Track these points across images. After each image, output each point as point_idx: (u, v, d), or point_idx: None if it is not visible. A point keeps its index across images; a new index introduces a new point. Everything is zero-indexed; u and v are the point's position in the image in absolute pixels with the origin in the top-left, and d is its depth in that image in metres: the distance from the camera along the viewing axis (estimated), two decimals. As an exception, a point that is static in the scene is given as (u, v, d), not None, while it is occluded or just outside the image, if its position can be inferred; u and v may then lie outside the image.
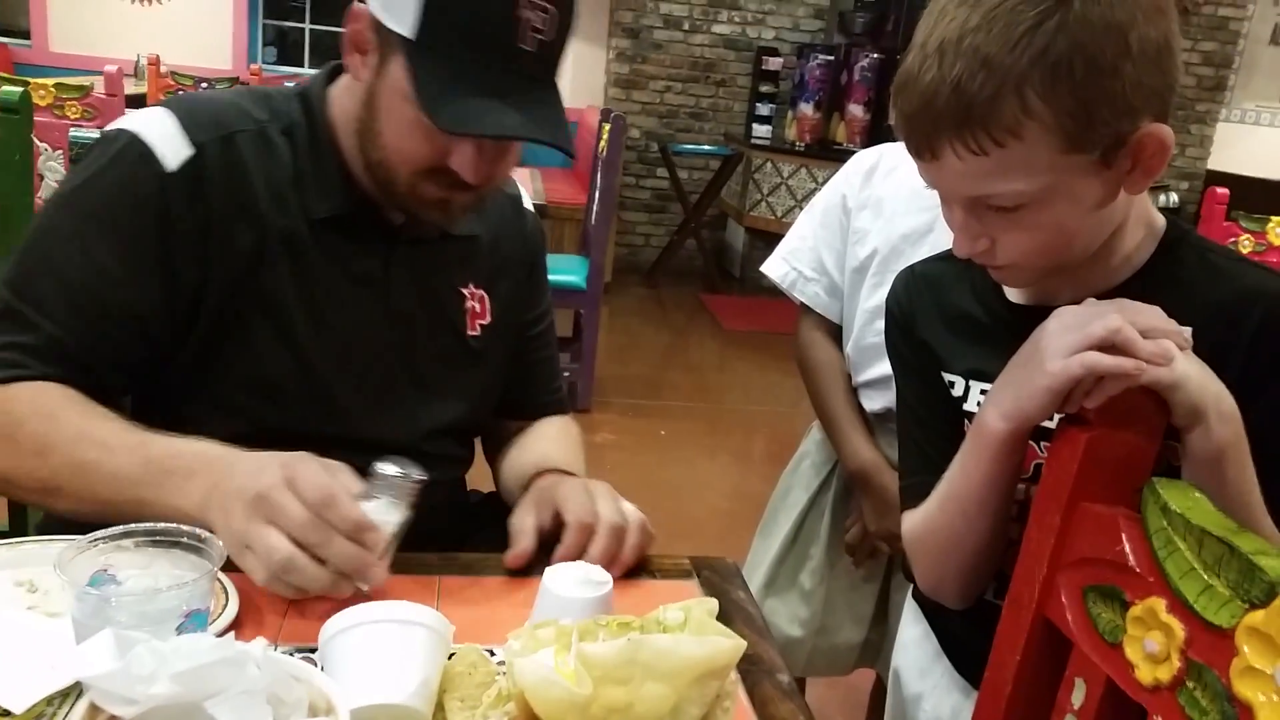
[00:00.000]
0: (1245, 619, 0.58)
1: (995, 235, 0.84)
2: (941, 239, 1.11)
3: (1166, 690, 0.64)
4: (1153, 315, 0.76)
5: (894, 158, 1.43)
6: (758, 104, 6.07)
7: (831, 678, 1.76)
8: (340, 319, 1.06)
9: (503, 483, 1.23)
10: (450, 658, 0.73)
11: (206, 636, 0.65)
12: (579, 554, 0.94)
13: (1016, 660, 0.81)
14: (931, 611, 1.12)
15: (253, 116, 1.03)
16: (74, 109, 2.20)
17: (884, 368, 1.26)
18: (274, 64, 6.71)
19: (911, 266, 1.07)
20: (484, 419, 1.24)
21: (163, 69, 4.78)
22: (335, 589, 0.82)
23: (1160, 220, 0.90)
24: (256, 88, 1.14)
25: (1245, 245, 1.82)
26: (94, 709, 0.60)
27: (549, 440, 1.24)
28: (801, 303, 1.54)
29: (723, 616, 0.73)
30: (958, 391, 0.97)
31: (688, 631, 0.69)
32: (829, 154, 5.62)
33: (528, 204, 1.29)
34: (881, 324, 1.08)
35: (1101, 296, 0.81)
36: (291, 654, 0.74)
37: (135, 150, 0.97)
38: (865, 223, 1.44)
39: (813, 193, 2.27)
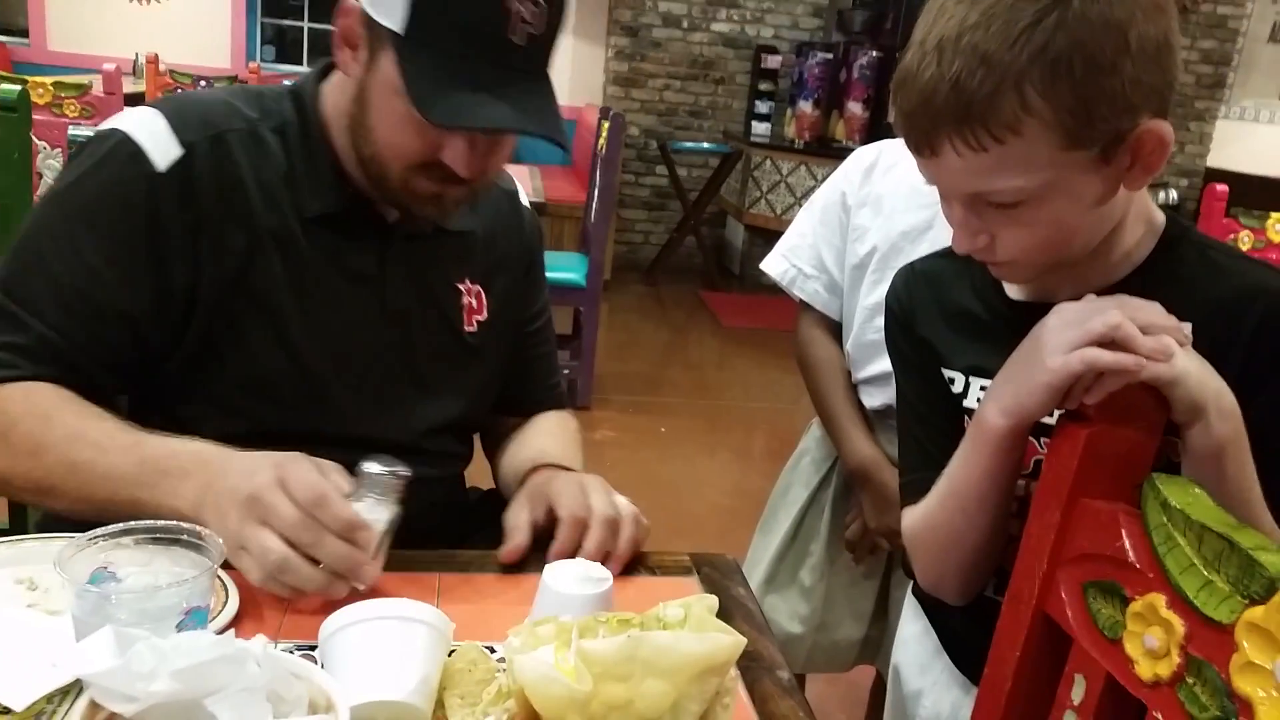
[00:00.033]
0: (1245, 615, 0.58)
1: (995, 231, 0.84)
2: (941, 236, 1.11)
3: (1166, 686, 0.64)
4: (1152, 311, 0.76)
5: (893, 154, 1.43)
6: (757, 102, 6.07)
7: (831, 674, 1.77)
8: (335, 317, 1.05)
9: (501, 479, 1.23)
10: (450, 655, 0.73)
11: (206, 634, 0.65)
12: (574, 548, 0.95)
13: (1016, 656, 0.81)
14: (931, 608, 1.12)
15: (244, 115, 1.03)
16: (72, 107, 2.20)
17: (884, 365, 1.26)
18: (272, 62, 6.71)
19: (911, 263, 1.06)
20: (482, 415, 1.23)
21: (161, 67, 4.77)
22: (330, 590, 0.83)
23: (1160, 217, 0.90)
24: (249, 86, 1.14)
25: (1245, 242, 1.82)
26: (94, 706, 0.60)
27: (546, 435, 1.24)
28: (801, 300, 1.54)
29: (723, 613, 0.73)
30: (957, 388, 0.97)
31: (688, 628, 0.69)
32: (828, 151, 5.63)
33: (524, 200, 1.28)
34: (881, 321, 1.08)
35: (1101, 293, 0.81)
36: (291, 651, 0.75)
37: (125, 150, 0.97)
38: (865, 220, 1.44)
39: (812, 190, 2.27)
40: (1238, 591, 0.59)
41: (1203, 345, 0.77)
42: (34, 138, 1.70)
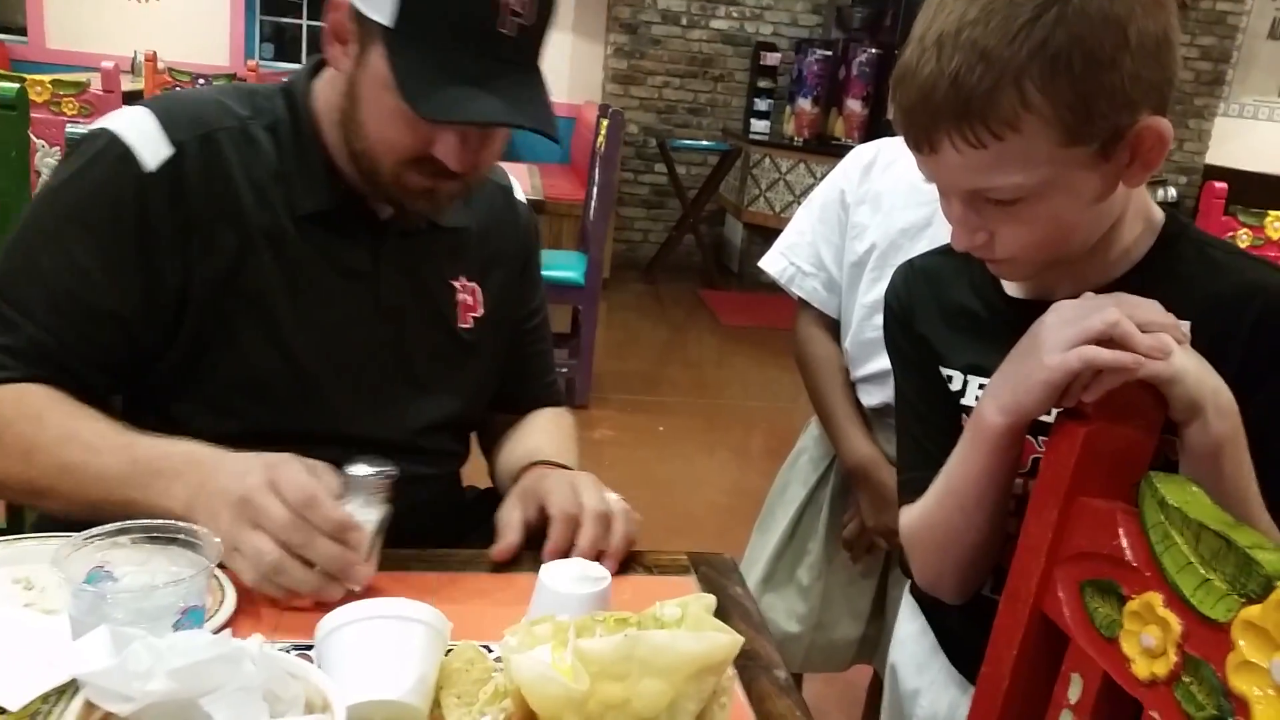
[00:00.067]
0: (1242, 613, 0.58)
1: (994, 228, 0.83)
2: (940, 233, 1.11)
3: (1163, 685, 0.64)
4: (1151, 309, 0.76)
5: (892, 152, 1.43)
6: (756, 99, 6.06)
7: (829, 673, 1.76)
8: (329, 315, 1.05)
9: (496, 477, 1.23)
10: (447, 654, 0.73)
11: (203, 633, 0.66)
12: (567, 545, 0.95)
13: (1013, 655, 0.81)
14: (929, 607, 1.12)
15: (235, 113, 1.02)
16: (71, 105, 2.19)
17: (882, 363, 1.26)
18: (271, 60, 6.70)
19: (910, 261, 1.06)
20: (478, 413, 1.23)
21: (160, 65, 4.76)
22: (324, 591, 0.83)
23: (1159, 214, 0.90)
24: (241, 84, 1.13)
25: (1243, 240, 1.82)
26: (89, 706, 0.60)
27: (540, 432, 1.24)
28: (800, 298, 1.54)
29: (720, 612, 0.73)
30: (956, 386, 0.97)
31: (685, 627, 0.69)
32: (827, 149, 5.62)
33: (520, 196, 1.27)
34: (880, 319, 1.08)
35: (1100, 290, 0.81)
36: (288, 650, 0.74)
37: (114, 150, 0.97)
38: (863, 217, 1.44)
39: (811, 188, 2.27)
40: (1235, 590, 0.59)
41: (1201, 343, 0.77)
42: (32, 136, 1.69)
